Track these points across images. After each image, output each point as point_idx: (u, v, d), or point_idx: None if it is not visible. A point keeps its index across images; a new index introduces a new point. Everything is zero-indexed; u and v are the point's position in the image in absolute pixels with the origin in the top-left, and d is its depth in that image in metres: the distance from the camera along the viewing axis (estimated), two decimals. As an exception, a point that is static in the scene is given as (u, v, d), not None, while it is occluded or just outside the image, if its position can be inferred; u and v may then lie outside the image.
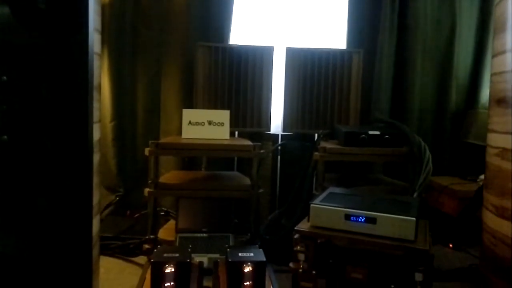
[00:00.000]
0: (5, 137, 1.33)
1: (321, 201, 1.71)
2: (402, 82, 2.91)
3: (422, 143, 2.28)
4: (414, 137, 2.30)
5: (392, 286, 1.53)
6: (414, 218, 1.53)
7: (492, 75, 1.85)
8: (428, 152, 2.26)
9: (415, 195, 2.11)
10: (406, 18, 2.87)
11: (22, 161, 1.34)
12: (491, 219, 1.75)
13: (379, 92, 2.87)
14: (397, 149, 2.30)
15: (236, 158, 2.83)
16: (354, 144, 2.28)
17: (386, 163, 2.84)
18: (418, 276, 1.48)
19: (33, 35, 1.35)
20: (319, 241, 1.64)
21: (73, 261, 1.37)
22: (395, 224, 1.55)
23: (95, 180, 1.46)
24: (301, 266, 1.63)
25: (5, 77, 1.34)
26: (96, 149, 1.48)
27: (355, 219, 1.61)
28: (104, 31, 2.64)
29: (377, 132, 2.30)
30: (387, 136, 2.29)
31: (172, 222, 2.44)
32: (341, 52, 2.77)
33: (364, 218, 1.60)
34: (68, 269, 1.37)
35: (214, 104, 2.70)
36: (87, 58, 1.36)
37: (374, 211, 1.59)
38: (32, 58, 1.34)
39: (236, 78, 2.71)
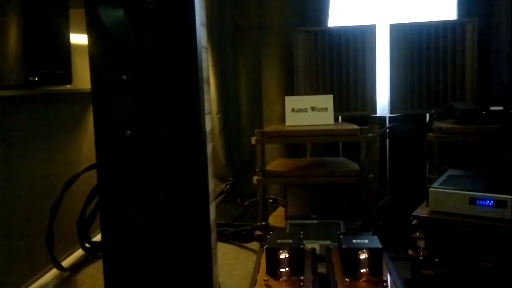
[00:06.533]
0: (129, 132, 1.44)
1: (440, 185, 1.59)
2: (525, 50, 2.59)
3: (556, 117, 2.02)
4: (546, 111, 2.04)
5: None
6: (554, 201, 1.36)
7: None
8: None
9: (550, 175, 1.87)
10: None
11: (144, 154, 1.44)
12: None
13: (498, 64, 2.59)
14: (524, 125, 2.06)
15: (341, 144, 2.76)
16: (473, 122, 2.08)
17: None
18: (562, 266, 1.31)
19: (146, 35, 1.43)
20: (440, 227, 1.53)
21: (194, 246, 1.44)
22: (530, 208, 1.39)
23: (210, 169, 1.52)
24: (421, 253, 1.54)
25: (124, 76, 1.44)
26: (208, 139, 1.53)
27: (481, 203, 1.47)
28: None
29: (500, 108, 2.08)
30: (512, 111, 2.06)
31: (281, 209, 2.47)
32: (451, 23, 2.54)
33: (492, 201, 1.45)
34: (190, 253, 1.44)
35: (316, 89, 2.65)
36: (196, 52, 1.40)
37: (504, 194, 1.44)
38: (146, 56, 1.42)
39: (337, 61, 2.63)
